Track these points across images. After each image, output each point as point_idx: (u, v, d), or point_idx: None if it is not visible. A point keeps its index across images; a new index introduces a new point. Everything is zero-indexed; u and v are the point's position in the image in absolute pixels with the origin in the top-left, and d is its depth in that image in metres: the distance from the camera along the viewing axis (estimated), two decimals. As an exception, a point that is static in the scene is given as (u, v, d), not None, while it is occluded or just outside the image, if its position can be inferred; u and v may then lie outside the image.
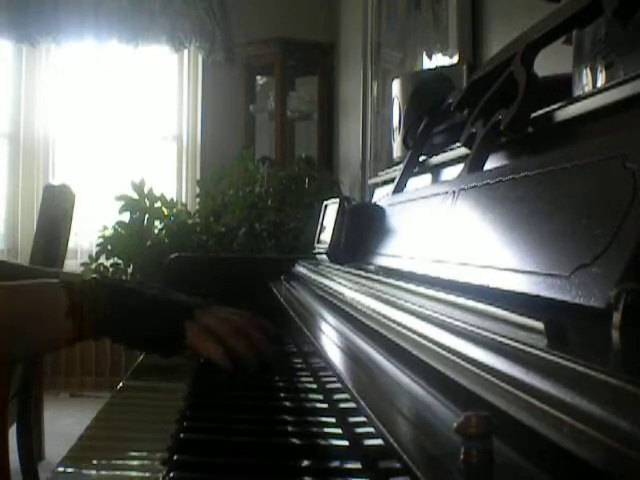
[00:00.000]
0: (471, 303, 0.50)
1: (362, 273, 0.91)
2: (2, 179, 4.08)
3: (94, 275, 0.90)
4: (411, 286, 0.67)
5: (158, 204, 3.00)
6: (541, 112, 0.71)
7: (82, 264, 3.09)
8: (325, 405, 0.70)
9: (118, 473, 0.57)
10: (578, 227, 0.49)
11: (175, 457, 0.56)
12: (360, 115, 3.09)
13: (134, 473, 0.57)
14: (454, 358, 0.43)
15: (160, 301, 0.89)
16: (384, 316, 0.62)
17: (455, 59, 1.98)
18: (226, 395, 0.78)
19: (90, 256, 3.08)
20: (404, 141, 1.27)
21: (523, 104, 0.72)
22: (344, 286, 0.89)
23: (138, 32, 3.94)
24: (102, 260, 3.00)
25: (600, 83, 0.68)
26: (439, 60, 2.15)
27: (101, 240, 2.97)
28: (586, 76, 0.71)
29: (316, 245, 1.36)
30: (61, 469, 0.56)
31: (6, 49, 4.02)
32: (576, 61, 0.74)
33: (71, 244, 2.84)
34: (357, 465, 0.53)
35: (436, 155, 1.06)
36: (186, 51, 4.14)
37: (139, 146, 4.19)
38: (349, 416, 0.59)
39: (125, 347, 0.94)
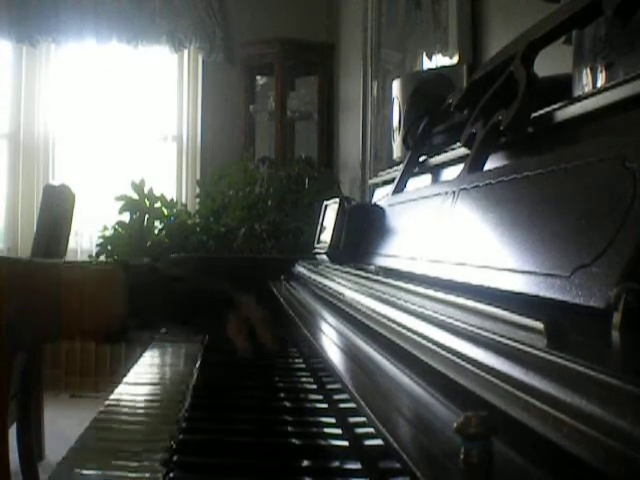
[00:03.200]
0: (471, 303, 0.50)
1: (362, 273, 0.91)
2: (2, 179, 4.08)
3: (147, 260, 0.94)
4: (411, 286, 0.67)
5: (158, 204, 2.99)
6: (541, 112, 0.71)
7: (82, 264, 3.09)
8: (325, 405, 0.70)
9: (118, 473, 0.57)
10: (578, 227, 0.49)
11: (175, 458, 0.56)
12: (360, 115, 3.09)
13: (134, 474, 0.57)
14: (454, 358, 0.43)
15: (208, 289, 0.96)
16: (384, 316, 0.62)
17: (455, 59, 1.98)
18: (226, 395, 0.78)
19: (90, 256, 3.07)
20: (404, 141, 1.27)
21: (523, 104, 0.72)
22: (344, 286, 0.88)
23: (138, 32, 3.94)
24: (102, 260, 3.00)
25: (600, 83, 0.68)
26: (439, 60, 2.15)
27: (101, 240, 2.97)
28: (586, 76, 0.71)
29: (316, 245, 1.36)
30: (61, 469, 0.56)
31: (6, 49, 4.02)
32: (576, 61, 0.74)
33: (71, 244, 2.84)
34: (357, 465, 0.53)
35: (436, 155, 1.06)
36: (186, 51, 4.14)
37: (139, 146, 4.19)
38: (349, 416, 0.59)
39: None
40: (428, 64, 2.26)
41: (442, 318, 0.50)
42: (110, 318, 0.86)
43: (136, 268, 0.92)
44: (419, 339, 0.50)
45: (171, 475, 0.53)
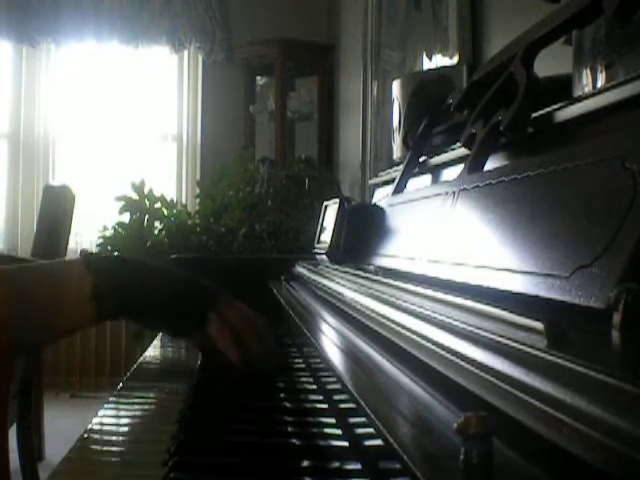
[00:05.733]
0: (470, 303, 0.50)
1: (362, 273, 0.91)
2: (2, 179, 4.08)
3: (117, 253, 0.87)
4: (410, 286, 0.67)
5: (158, 205, 2.99)
6: (541, 112, 0.71)
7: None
8: (325, 406, 0.70)
9: (118, 473, 0.57)
10: (578, 227, 0.49)
11: (175, 458, 0.56)
12: (360, 115, 3.09)
13: (134, 473, 0.57)
14: (454, 358, 0.43)
15: (185, 284, 0.88)
16: (384, 316, 0.62)
17: (455, 59, 1.98)
18: (226, 395, 0.78)
19: (90, 256, 3.07)
20: (404, 141, 1.27)
21: (523, 104, 0.72)
22: (344, 286, 0.88)
23: (138, 32, 3.95)
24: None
25: (600, 83, 0.68)
26: (439, 60, 2.15)
27: (101, 240, 2.97)
28: (586, 76, 0.71)
29: (316, 245, 1.36)
30: (61, 469, 0.56)
31: (6, 49, 4.03)
32: (576, 61, 0.74)
33: (71, 244, 2.84)
34: (357, 466, 0.53)
35: (436, 155, 1.06)
36: (186, 51, 4.14)
37: (139, 146, 4.20)
38: (349, 417, 0.59)
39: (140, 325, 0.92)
40: (428, 64, 2.26)
41: (442, 318, 0.50)
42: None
43: (101, 260, 0.85)
44: (419, 339, 0.50)
45: (171, 475, 0.53)
